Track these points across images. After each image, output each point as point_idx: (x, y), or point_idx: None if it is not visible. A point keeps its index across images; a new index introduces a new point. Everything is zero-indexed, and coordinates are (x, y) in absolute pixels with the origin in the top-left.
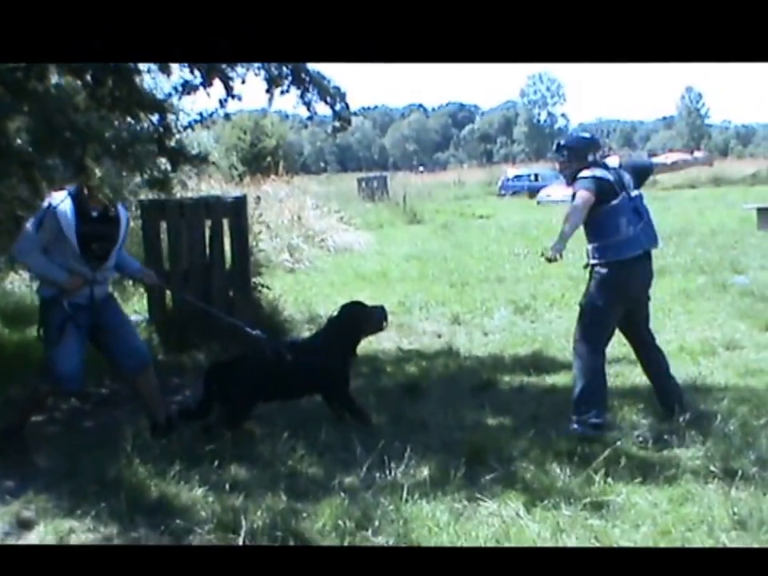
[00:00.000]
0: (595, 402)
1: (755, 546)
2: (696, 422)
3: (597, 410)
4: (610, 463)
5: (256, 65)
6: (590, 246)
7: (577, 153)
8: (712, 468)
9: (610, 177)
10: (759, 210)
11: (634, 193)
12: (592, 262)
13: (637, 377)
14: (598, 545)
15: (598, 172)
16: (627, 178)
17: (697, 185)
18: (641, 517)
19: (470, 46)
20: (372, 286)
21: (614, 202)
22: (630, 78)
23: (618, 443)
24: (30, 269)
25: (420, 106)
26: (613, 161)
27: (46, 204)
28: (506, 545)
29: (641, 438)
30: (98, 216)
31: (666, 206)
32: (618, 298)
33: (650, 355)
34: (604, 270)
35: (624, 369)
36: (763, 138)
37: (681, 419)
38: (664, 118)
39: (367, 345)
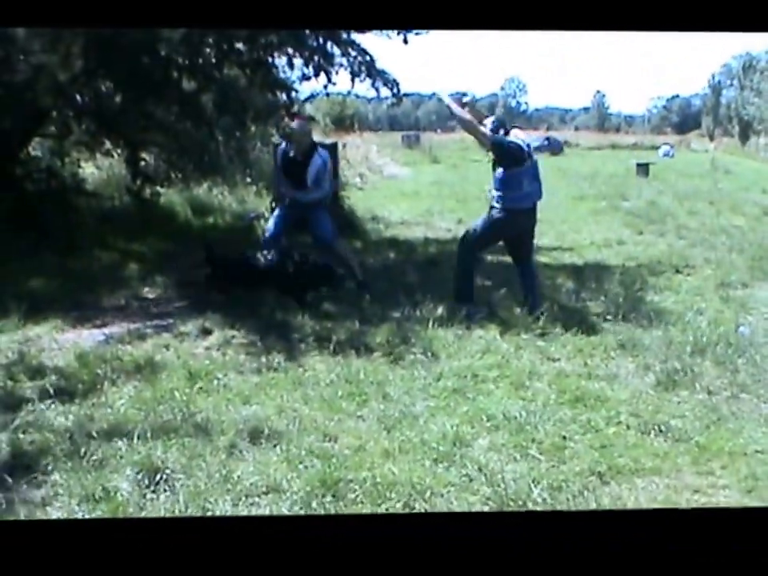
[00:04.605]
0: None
1: None
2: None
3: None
4: None
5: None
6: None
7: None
8: None
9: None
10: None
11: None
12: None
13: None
14: None
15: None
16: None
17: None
18: None
19: None
20: (408, 199)
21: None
22: None
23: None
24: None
25: None
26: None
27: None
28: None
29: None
30: (293, 157)
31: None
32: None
33: (524, 270)
34: (501, 214)
35: None
36: None
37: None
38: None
39: (398, 233)
